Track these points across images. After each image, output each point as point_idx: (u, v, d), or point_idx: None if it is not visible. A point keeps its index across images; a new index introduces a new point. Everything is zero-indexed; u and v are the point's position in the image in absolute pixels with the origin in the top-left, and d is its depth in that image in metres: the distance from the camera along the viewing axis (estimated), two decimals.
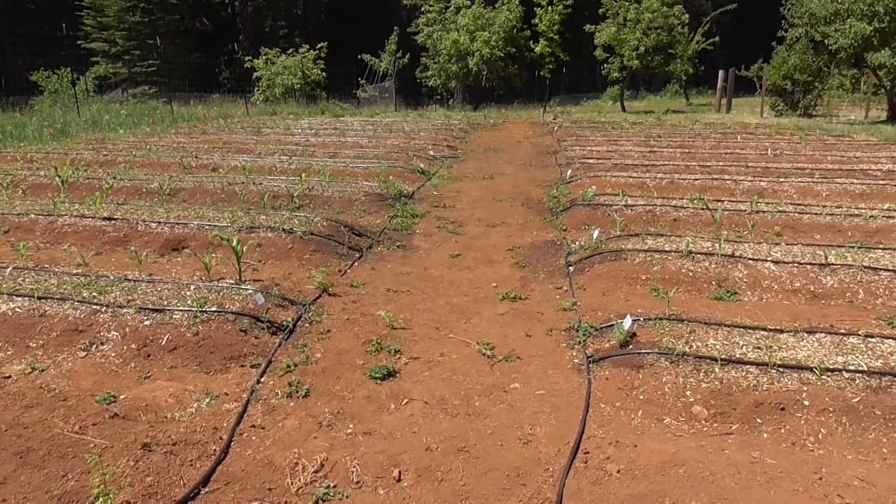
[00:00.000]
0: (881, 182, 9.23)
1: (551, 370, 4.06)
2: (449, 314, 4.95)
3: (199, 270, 5.54)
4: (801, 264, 5.45)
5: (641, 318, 4.42)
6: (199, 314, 4.38)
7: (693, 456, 3.12)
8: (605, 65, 26.56)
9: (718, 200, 8.05)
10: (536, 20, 27.27)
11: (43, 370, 3.88)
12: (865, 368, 3.68)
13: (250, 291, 4.81)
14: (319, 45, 28.02)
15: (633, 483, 2.94)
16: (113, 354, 4.08)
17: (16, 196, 8.55)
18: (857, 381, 3.58)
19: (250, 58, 29.38)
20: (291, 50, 29.17)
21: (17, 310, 4.46)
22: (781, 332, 4.19)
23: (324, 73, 28.25)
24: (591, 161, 11.47)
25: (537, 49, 27.43)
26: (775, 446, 3.23)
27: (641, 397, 3.66)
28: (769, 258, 5.58)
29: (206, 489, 2.89)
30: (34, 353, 4.10)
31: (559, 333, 4.58)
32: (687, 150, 12.71)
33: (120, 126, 18.08)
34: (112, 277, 5.06)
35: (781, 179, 9.45)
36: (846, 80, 24.27)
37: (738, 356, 3.85)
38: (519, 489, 2.93)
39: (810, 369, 3.67)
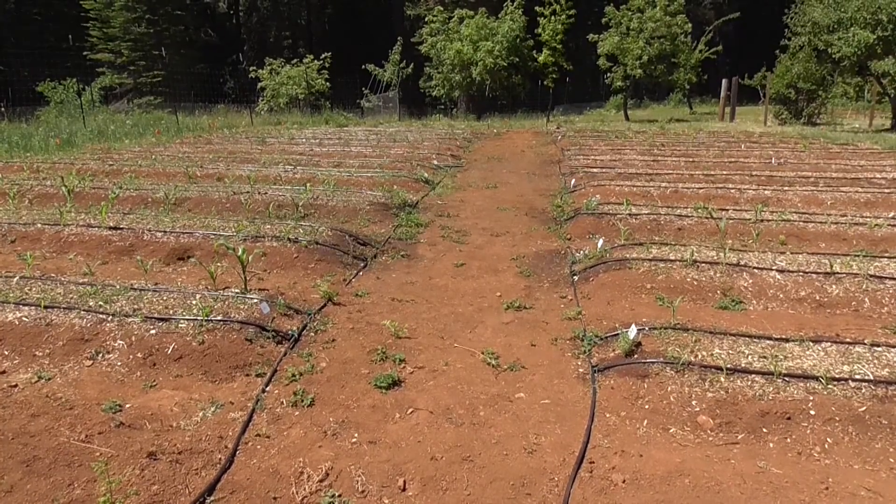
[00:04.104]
0: (886, 190, 9.22)
1: (556, 379, 4.06)
2: (454, 323, 4.95)
3: (204, 279, 5.56)
4: (807, 273, 5.45)
5: (646, 328, 4.42)
6: (204, 323, 4.40)
7: (699, 465, 3.11)
8: (609, 74, 26.61)
9: (723, 209, 8.06)
10: (539, 30, 27.33)
11: (49, 379, 3.89)
12: (871, 377, 3.67)
13: (256, 300, 4.82)
14: (323, 56, 28.12)
15: (638, 493, 2.93)
16: (119, 363, 4.09)
17: (22, 206, 8.59)
18: (864, 391, 3.58)
19: (255, 68, 29.49)
20: (296, 60, 29.30)
21: (24, 319, 4.48)
22: (787, 341, 4.19)
23: (328, 83, 28.35)
24: (595, 170, 11.49)
25: (540, 58, 27.48)
26: (781, 456, 3.22)
27: (647, 407, 3.66)
28: (774, 267, 5.58)
29: (212, 498, 2.90)
30: (40, 362, 4.11)
31: (564, 342, 4.58)
32: (691, 159, 12.72)
33: (125, 136, 18.17)
34: (118, 286, 5.08)
35: (786, 188, 9.45)
36: (850, 89, 24.25)
37: (743, 365, 3.84)
38: (524, 499, 2.92)
39: (816, 378, 3.66)
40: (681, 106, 32.81)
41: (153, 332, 4.34)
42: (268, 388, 3.88)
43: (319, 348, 4.46)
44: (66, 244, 6.75)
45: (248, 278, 5.26)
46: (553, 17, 26.86)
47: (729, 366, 3.81)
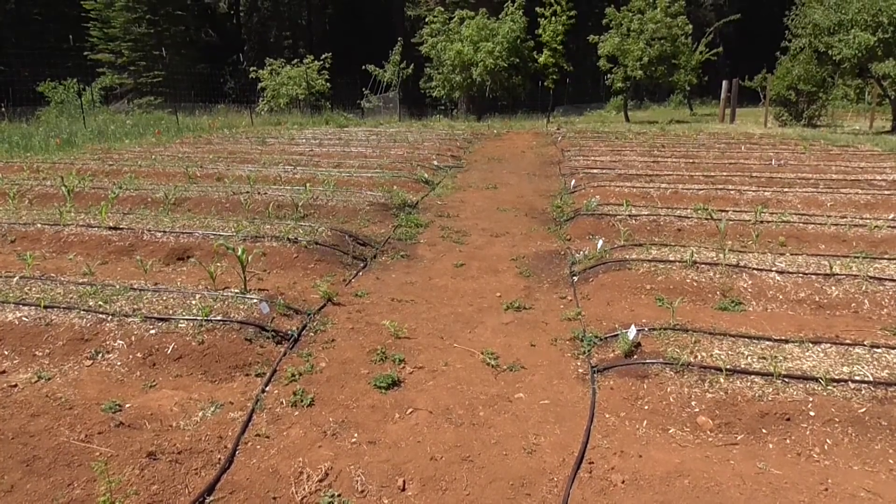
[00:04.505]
0: (886, 192, 9.23)
1: (556, 380, 4.06)
2: (453, 324, 4.95)
3: (204, 279, 5.56)
4: (806, 274, 5.45)
5: (646, 328, 4.42)
6: (204, 323, 4.40)
7: (698, 466, 3.12)
8: (609, 75, 26.61)
9: (723, 210, 8.06)
10: (540, 31, 27.33)
11: (49, 379, 3.89)
12: (871, 379, 3.67)
13: (255, 300, 4.82)
14: (324, 56, 28.11)
15: (637, 493, 2.93)
16: (119, 363, 4.09)
17: (22, 206, 8.59)
18: (863, 392, 3.58)
19: (255, 68, 29.47)
20: (296, 60, 29.29)
21: (24, 319, 4.48)
22: (786, 342, 4.19)
23: (328, 84, 28.34)
24: (595, 171, 11.49)
25: (541, 59, 27.48)
26: (781, 457, 3.22)
27: (646, 407, 3.66)
28: (774, 268, 5.58)
29: (211, 498, 2.90)
30: (40, 362, 4.11)
31: (564, 343, 4.58)
32: (691, 161, 12.72)
33: (125, 136, 18.18)
34: (118, 286, 5.08)
35: (786, 189, 9.45)
36: (850, 91, 24.26)
37: (743, 366, 3.84)
38: (523, 499, 2.92)
39: (816, 380, 3.66)
40: (681, 107, 32.84)
41: (153, 331, 4.34)
42: (267, 388, 3.88)
43: (319, 348, 4.46)
44: (66, 244, 6.75)
45: (247, 278, 5.27)
46: (553, 18, 26.86)
47: (728, 367, 3.81)
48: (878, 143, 15.91)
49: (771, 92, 22.74)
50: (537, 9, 27.07)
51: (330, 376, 4.06)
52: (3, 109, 22.11)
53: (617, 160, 13.05)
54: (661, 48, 24.98)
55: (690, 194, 9.21)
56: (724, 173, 11.03)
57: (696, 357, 3.97)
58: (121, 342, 4.25)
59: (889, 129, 20.06)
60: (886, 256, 6.17)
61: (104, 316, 4.48)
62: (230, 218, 7.73)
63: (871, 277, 5.32)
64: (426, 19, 30.37)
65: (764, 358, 3.94)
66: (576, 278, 5.94)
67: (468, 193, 10.48)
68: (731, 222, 7.22)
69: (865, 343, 4.13)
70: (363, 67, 29.12)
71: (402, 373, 4.11)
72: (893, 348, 4.04)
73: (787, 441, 3.33)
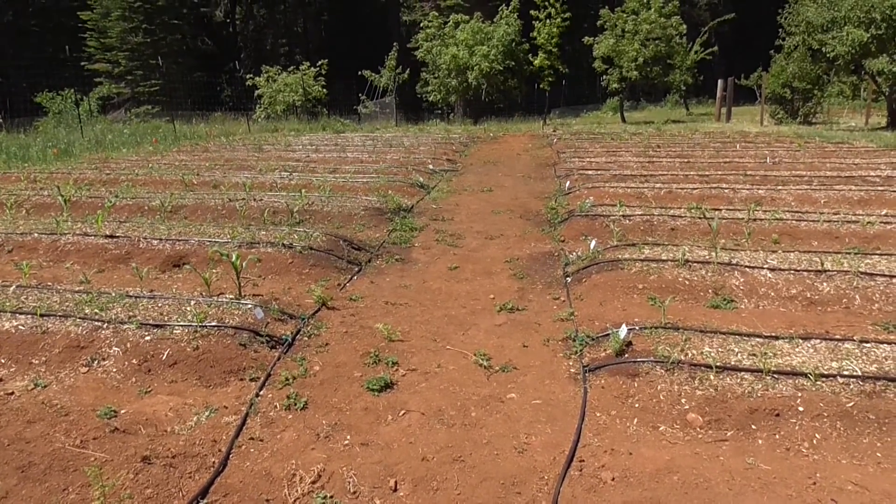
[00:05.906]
0: (880, 188, 9.26)
1: (548, 380, 4.09)
2: (447, 326, 4.98)
3: (199, 286, 5.59)
4: (798, 271, 5.48)
5: (637, 327, 4.45)
6: (199, 329, 4.43)
7: (688, 463, 3.14)
8: (605, 76, 26.69)
9: (716, 209, 8.09)
10: (535, 33, 27.40)
11: (45, 386, 3.92)
12: (860, 373, 3.70)
13: (250, 306, 4.86)
14: (320, 62, 28.18)
15: (627, 490, 2.96)
16: (114, 370, 4.13)
17: (20, 215, 8.63)
18: (852, 386, 3.61)
19: (251, 76, 29.54)
20: (292, 67, 29.33)
21: (20, 327, 4.52)
22: (777, 338, 4.22)
23: (324, 90, 28.37)
24: (590, 172, 11.53)
25: (536, 62, 27.55)
26: (770, 452, 3.25)
27: (637, 405, 3.69)
28: (766, 266, 5.62)
29: (205, 501, 2.93)
30: (37, 370, 4.14)
31: (556, 343, 4.61)
32: (686, 160, 12.76)
33: (123, 145, 18.21)
34: (114, 294, 5.11)
35: (780, 187, 9.49)
36: (845, 88, 24.32)
37: (732, 363, 3.87)
38: (514, 498, 2.95)
39: (805, 375, 3.69)
40: (677, 107, 32.92)
41: (148, 338, 4.37)
42: (261, 393, 3.91)
43: (313, 352, 4.50)
44: (63, 253, 6.79)
45: (242, 284, 5.30)
46: (548, 21, 26.93)
47: (718, 364, 3.84)
48: (873, 139, 15.94)
49: (766, 90, 22.80)
50: (532, 12, 27.14)
51: (323, 380, 4.09)
52: (1, 121, 22.17)
53: (612, 161, 13.09)
54: (656, 48, 25.06)
55: (685, 194, 9.24)
56: (719, 172, 11.07)
57: (686, 355, 4.00)
58: (116, 349, 4.28)
59: (884, 125, 20.11)
60: (878, 252, 6.20)
61: (100, 323, 4.51)
62: (226, 225, 7.76)
63: (862, 273, 5.35)
64: (421, 24, 30.44)
65: (754, 355, 3.97)
66: (569, 279, 5.97)
67: (463, 197, 10.52)
68: (724, 221, 7.26)
69: (855, 338, 4.16)
70: (359, 73, 29.20)
71: (395, 375, 4.14)
72: (882, 343, 4.08)
73: (777, 436, 3.36)
